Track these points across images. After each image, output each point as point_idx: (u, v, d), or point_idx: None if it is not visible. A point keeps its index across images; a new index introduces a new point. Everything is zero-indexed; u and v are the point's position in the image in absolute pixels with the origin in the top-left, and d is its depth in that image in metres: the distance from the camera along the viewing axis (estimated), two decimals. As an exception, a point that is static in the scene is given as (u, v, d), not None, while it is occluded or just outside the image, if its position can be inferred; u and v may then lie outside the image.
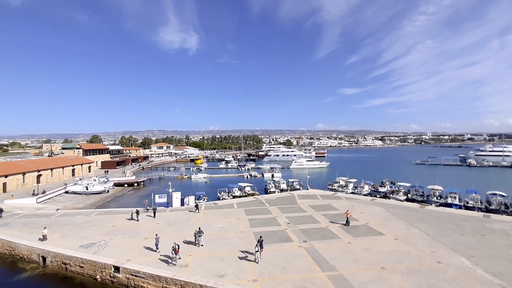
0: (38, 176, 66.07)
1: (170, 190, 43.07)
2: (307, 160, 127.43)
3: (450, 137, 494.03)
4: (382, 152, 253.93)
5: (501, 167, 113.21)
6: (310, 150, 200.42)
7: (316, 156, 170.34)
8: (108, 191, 62.45)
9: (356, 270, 19.47)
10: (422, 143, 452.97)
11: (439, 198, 46.93)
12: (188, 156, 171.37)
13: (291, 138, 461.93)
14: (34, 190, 53.24)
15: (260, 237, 21.61)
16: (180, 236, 27.36)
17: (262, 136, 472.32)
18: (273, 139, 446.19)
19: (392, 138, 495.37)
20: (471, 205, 42.57)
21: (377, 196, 51.92)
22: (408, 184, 55.69)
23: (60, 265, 24.14)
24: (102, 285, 21.60)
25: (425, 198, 48.80)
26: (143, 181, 77.09)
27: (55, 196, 54.80)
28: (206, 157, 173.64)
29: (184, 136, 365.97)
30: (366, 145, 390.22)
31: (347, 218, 30.13)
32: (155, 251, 23.59)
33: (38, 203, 47.87)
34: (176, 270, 20.06)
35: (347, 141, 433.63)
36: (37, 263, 25.33)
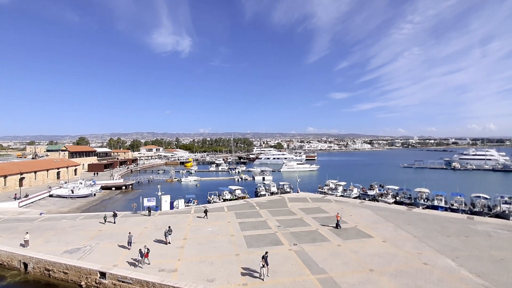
0: (21, 179, 63.68)
1: (159, 193, 42.36)
2: (297, 163, 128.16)
3: (436, 141, 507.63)
4: (371, 156, 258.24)
5: (484, 170, 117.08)
6: (300, 153, 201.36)
7: (306, 159, 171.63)
8: (95, 195, 60.88)
9: (346, 273, 19.63)
10: (409, 146, 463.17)
11: (426, 200, 48.00)
12: (178, 159, 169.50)
13: (282, 141, 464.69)
14: (16, 194, 51.22)
15: (266, 252, 20.20)
16: (171, 239, 26.89)
17: (253, 139, 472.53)
18: (264, 142, 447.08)
19: (381, 141, 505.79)
20: (456, 207, 43.73)
21: (366, 199, 52.66)
22: (396, 187, 56.75)
23: (43, 272, 23.28)
24: (87, 291, 20.94)
25: (413, 201, 49.80)
26: (131, 184, 75.56)
27: (39, 199, 52.92)
28: (197, 160, 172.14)
29: (174, 139, 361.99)
30: (356, 149, 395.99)
31: (337, 221, 30.41)
32: (128, 249, 24.55)
33: (20, 207, 46.09)
34: (164, 275, 19.68)
35: (337, 144, 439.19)
36: (18, 269, 24.33)
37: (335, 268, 20.41)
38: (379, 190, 58.92)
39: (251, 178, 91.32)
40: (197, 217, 35.94)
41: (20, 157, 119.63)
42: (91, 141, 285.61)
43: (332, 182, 63.68)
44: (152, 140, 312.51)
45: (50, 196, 56.94)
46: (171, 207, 41.76)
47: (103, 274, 20.78)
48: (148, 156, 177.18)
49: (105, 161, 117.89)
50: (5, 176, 59.50)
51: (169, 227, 27.49)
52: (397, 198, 52.57)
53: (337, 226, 30.15)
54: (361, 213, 36.94)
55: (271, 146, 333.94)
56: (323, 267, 20.56)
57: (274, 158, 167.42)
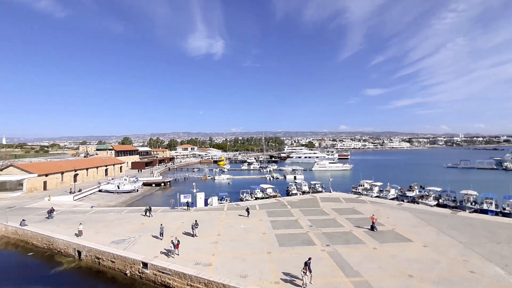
0: (75, 176, 71.09)
1: (195, 190, 44.36)
2: (329, 162, 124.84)
3: (485, 139, 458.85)
4: (410, 155, 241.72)
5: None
6: (332, 152, 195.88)
7: (339, 158, 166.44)
8: (137, 190, 65.61)
9: (382, 277, 18.86)
10: (454, 145, 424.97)
11: (473, 204, 43.86)
12: (212, 158, 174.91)
13: (313, 140, 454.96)
14: (71, 189, 57.39)
15: (309, 258, 18.85)
16: (204, 235, 28.16)
17: (284, 138, 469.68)
18: (295, 141, 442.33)
19: (421, 140, 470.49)
20: (508, 212, 39.40)
21: (405, 200, 49.63)
22: (439, 189, 52.63)
23: (94, 260, 25.74)
24: (131, 280, 22.69)
25: (458, 204, 45.83)
26: (169, 181, 79.99)
27: (90, 194, 58.58)
28: (229, 158, 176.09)
29: (207, 138, 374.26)
30: (392, 147, 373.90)
31: (373, 222, 29.21)
32: (161, 239, 27.01)
33: (75, 200, 51.46)
34: (200, 268, 20.67)
35: (372, 143, 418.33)
36: (73, 257, 27.11)
37: (370, 271, 19.71)
38: (419, 191, 55.17)
39: (282, 177, 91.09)
40: (239, 215, 36.43)
41: (74, 156, 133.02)
42: (133, 140, 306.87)
43: (367, 182, 61.07)
44: (187, 139, 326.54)
45: (99, 191, 62.65)
46: (205, 204, 43.49)
47: (145, 265, 22.45)
48: (183, 155, 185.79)
49: (146, 160, 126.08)
50: (62, 173, 66.95)
51: (196, 221, 29.22)
52: (440, 200, 48.78)
53: (373, 228, 28.96)
54: (399, 216, 34.98)
55: (302, 145, 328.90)
56: (357, 270, 19.98)
57: (305, 157, 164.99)
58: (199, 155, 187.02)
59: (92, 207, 45.79)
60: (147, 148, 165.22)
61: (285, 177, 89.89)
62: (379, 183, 59.27)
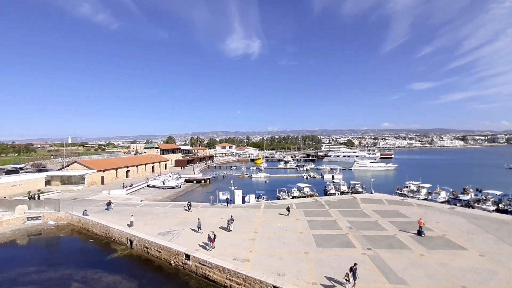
0: (127, 171, 78.23)
1: (233, 188, 45.71)
2: (370, 162, 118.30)
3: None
4: (464, 154, 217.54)
5: None
6: (374, 151, 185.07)
7: (381, 158, 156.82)
8: (180, 187, 69.74)
9: (430, 286, 17.54)
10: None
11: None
12: (249, 156, 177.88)
13: (352, 138, 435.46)
14: (123, 183, 63.30)
15: (355, 264, 18.08)
16: (242, 232, 28.99)
17: (321, 136, 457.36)
18: (332, 139, 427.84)
19: (477, 137, 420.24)
20: None
21: (458, 204, 45.06)
22: (499, 192, 46.68)
23: (143, 249, 28.14)
24: (175, 270, 24.30)
25: None
26: (209, 179, 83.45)
27: (139, 188, 63.97)
28: (266, 157, 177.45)
29: (245, 137, 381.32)
30: (443, 146, 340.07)
31: (420, 227, 27.18)
32: (199, 232, 28.87)
33: (127, 194, 56.65)
34: (238, 263, 21.39)
35: (419, 141, 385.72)
36: (125, 245, 29.89)
37: (417, 279, 18.45)
38: (475, 195, 49.58)
39: (320, 176, 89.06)
40: (279, 213, 36.44)
41: (126, 154, 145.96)
42: (176, 139, 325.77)
43: (413, 184, 56.73)
44: (226, 138, 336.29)
45: (147, 186, 68.00)
46: (243, 201, 44.57)
47: (187, 256, 23.91)
48: (222, 153, 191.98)
49: (188, 158, 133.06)
50: (116, 169, 74.15)
51: (231, 216, 30.72)
52: (499, 205, 43.38)
53: (420, 233, 26.95)
54: (451, 221, 31.94)
55: (341, 144, 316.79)
56: (402, 276, 18.86)
57: (344, 156, 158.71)
58: (237, 153, 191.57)
59: (141, 200, 49.93)
60: (188, 147, 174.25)
61: (322, 177, 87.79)
62: (427, 185, 54.66)
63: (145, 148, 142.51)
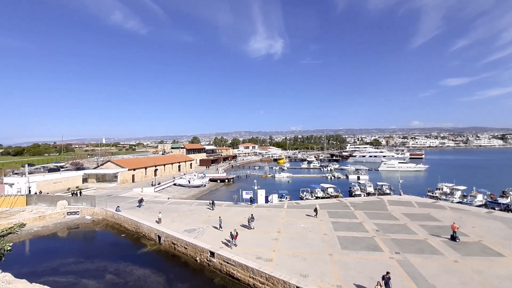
0: (155, 170, 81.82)
1: (256, 187, 46.06)
2: (399, 162, 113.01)
3: None
4: (504, 154, 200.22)
5: None
6: (403, 150, 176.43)
7: (410, 158, 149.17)
8: (205, 185, 71.59)
9: (464, 295, 16.54)
10: None
11: None
12: (272, 156, 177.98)
13: (379, 137, 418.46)
14: (152, 181, 66.29)
15: (387, 272, 17.15)
16: (265, 232, 29.18)
17: (346, 136, 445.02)
18: (358, 139, 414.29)
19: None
20: None
21: (496, 208, 41.69)
22: None
23: (170, 245, 29.30)
24: (200, 266, 25.05)
25: None
26: (232, 178, 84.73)
27: (167, 187, 66.59)
28: (289, 157, 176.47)
29: (267, 137, 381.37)
30: (480, 145, 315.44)
31: (454, 232, 25.61)
32: (220, 230, 29.66)
33: (155, 192, 59.27)
34: (261, 263, 21.60)
35: (452, 140, 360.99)
36: (154, 241, 31.33)
37: (450, 287, 17.46)
38: (516, 198, 45.57)
39: (345, 177, 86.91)
40: (306, 215, 35.66)
41: (154, 153, 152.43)
42: (201, 140, 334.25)
43: (446, 186, 53.45)
44: (249, 138, 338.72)
45: (174, 184, 70.56)
46: (266, 201, 44.75)
47: (212, 254, 24.56)
48: (245, 153, 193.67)
49: (212, 157, 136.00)
50: (145, 168, 77.84)
51: (252, 215, 31.96)
52: None
53: (454, 238, 25.39)
54: (488, 225, 29.69)
55: (367, 143, 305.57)
56: (433, 283, 17.93)
57: (370, 156, 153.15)
58: (260, 153, 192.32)
59: (168, 198, 51.97)
60: (212, 147, 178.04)
61: (347, 177, 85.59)
62: (462, 187, 51.22)
63: (172, 148, 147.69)
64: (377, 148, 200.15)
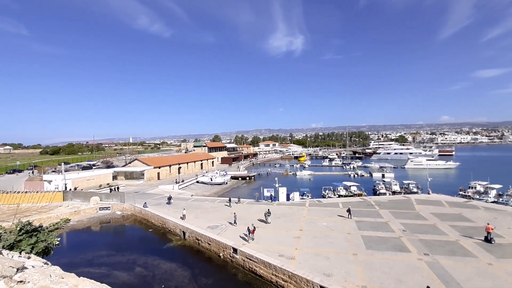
0: (179, 168, 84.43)
1: (277, 185, 46.14)
2: (427, 160, 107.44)
3: None
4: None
5: None
6: (431, 147, 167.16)
7: (439, 155, 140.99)
8: (226, 183, 72.74)
9: (501, 301, 15.60)
10: None
11: None
12: (292, 154, 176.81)
13: (405, 134, 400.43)
14: (176, 179, 68.53)
15: (427, 287, 16.42)
16: (286, 229, 29.20)
17: (369, 133, 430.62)
18: (382, 135, 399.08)
19: None
20: None
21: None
22: None
23: (195, 240, 30.21)
24: (224, 262, 25.62)
25: None
26: (253, 176, 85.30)
27: (190, 184, 68.52)
28: (309, 154, 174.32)
29: (288, 134, 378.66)
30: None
31: (488, 233, 24.11)
32: (235, 225, 30.81)
33: (179, 189, 61.24)
34: (284, 260, 21.69)
35: (486, 136, 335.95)
36: (179, 236, 32.46)
37: (484, 291, 16.56)
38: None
39: (368, 175, 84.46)
40: (338, 215, 33.94)
41: (178, 152, 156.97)
42: (222, 138, 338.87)
43: (479, 184, 50.26)
44: (269, 136, 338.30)
45: (197, 182, 72.39)
46: (287, 198, 44.70)
47: (235, 250, 25.03)
48: (266, 151, 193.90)
49: (233, 155, 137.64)
50: (170, 166, 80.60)
51: (268, 209, 32.99)
52: None
53: (488, 239, 23.92)
54: (531, 229, 27.58)
55: (392, 140, 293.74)
56: (465, 287, 17.09)
57: (395, 153, 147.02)
58: (280, 151, 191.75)
59: (192, 195, 53.50)
60: (233, 145, 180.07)
61: (371, 175, 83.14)
62: (497, 186, 47.91)
63: (194, 146, 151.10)
64: (403, 145, 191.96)
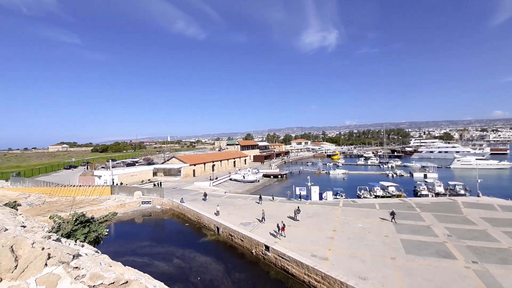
0: (213, 166, 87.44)
1: (309, 183, 45.54)
2: (476, 159, 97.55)
3: None
4: None
5: None
6: (481, 145, 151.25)
7: (491, 154, 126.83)
8: (258, 181, 73.49)
9: None
10: None
11: None
12: (325, 152, 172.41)
13: (450, 130, 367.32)
14: (210, 176, 71.06)
15: None
16: (319, 229, 28.82)
17: (409, 130, 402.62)
18: (424, 132, 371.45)
19: None
20: None
21: None
22: None
23: (228, 236, 31.16)
24: (256, 258, 26.10)
25: None
26: (285, 174, 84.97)
27: (223, 181, 70.63)
28: (343, 152, 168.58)
29: (320, 132, 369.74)
30: None
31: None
32: (263, 222, 31.38)
33: (213, 186, 63.44)
34: (316, 261, 21.49)
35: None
36: (213, 231, 33.71)
37: (545, 307, 14.85)
38: None
39: (408, 175, 79.38)
40: (380, 218, 32.21)
41: (212, 150, 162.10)
42: (254, 136, 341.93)
43: None
44: (301, 134, 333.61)
45: (230, 179, 74.30)
46: (320, 197, 43.92)
47: (267, 248, 25.36)
48: (297, 149, 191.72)
49: (265, 153, 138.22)
50: (204, 163, 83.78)
51: (298, 207, 33.82)
52: None
53: (553, 251, 21.25)
54: None
55: (435, 137, 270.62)
56: (522, 301, 15.48)
57: (440, 152, 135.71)
58: (313, 149, 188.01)
59: (225, 192, 55.11)
60: (265, 143, 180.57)
61: (411, 175, 78.04)
62: None
63: (227, 144, 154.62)
64: (449, 143, 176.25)
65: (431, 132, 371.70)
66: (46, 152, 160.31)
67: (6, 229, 4.49)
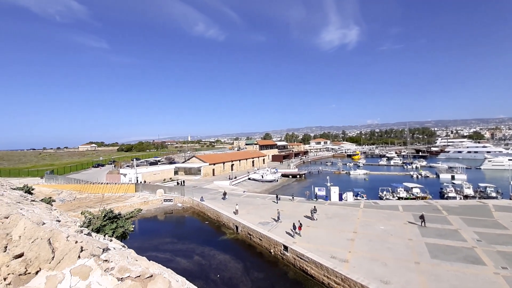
0: (232, 165, 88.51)
1: (328, 184, 44.84)
2: (509, 159, 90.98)
3: None
4: None
5: None
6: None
7: None
8: (277, 181, 73.42)
9: None
10: None
11: None
12: (345, 152, 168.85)
13: (481, 129, 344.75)
14: (229, 175, 72.02)
15: None
16: (339, 230, 28.32)
17: (436, 129, 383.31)
18: (451, 131, 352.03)
19: None
20: None
21: None
22: None
23: (247, 235, 31.46)
24: (274, 258, 26.12)
25: None
26: (304, 174, 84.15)
27: (242, 181, 71.24)
28: (364, 152, 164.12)
29: (340, 132, 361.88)
30: None
31: None
32: (279, 221, 31.38)
33: (232, 185, 64.22)
34: (336, 263, 21.15)
35: None
36: (232, 230, 34.21)
37: None
38: None
39: (434, 176, 75.80)
40: (409, 222, 30.64)
41: (231, 149, 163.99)
42: (272, 136, 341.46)
43: None
44: (320, 133, 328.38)
45: (248, 179, 74.78)
46: (340, 198, 43.07)
47: (286, 248, 25.32)
48: (317, 149, 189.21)
49: (284, 153, 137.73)
50: (223, 163, 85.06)
51: (314, 206, 33.90)
52: None
53: None
54: None
55: (464, 136, 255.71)
56: (561, 313, 14.36)
57: (469, 152, 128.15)
58: (332, 149, 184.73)
59: (244, 191, 55.61)
60: (284, 143, 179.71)
61: (437, 176, 74.43)
62: None
63: (246, 144, 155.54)
64: (479, 142, 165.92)
65: (459, 131, 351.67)
66: (76, 151, 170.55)
67: (44, 223, 4.93)
